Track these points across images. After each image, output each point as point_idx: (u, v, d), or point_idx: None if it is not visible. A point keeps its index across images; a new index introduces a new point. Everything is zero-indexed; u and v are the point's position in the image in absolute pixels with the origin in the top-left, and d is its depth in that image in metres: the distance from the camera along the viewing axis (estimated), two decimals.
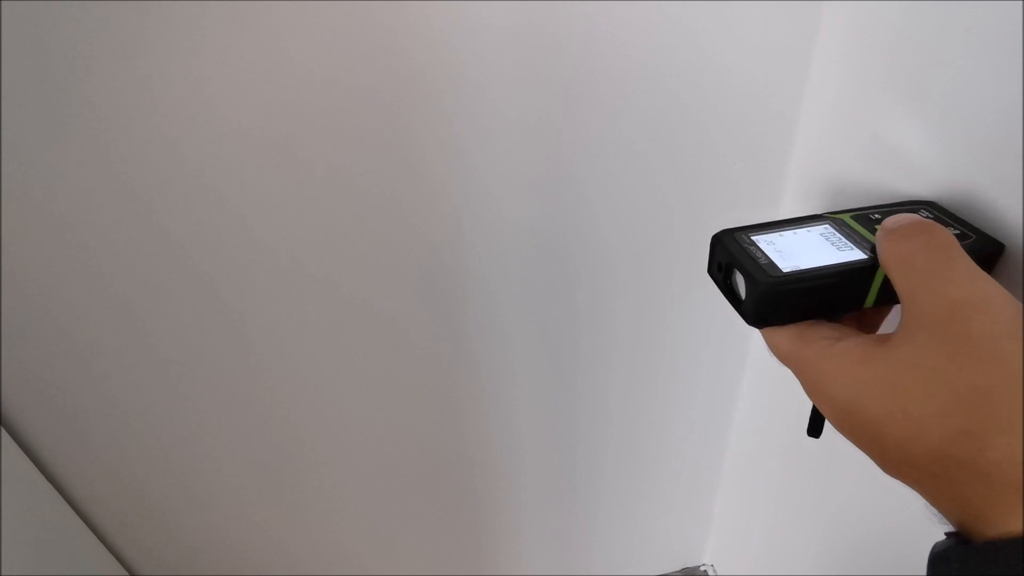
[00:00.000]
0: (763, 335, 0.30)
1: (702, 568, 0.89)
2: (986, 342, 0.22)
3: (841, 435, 0.27)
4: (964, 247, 0.25)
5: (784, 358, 0.29)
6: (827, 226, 0.32)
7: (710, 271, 0.32)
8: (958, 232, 0.30)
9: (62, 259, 0.45)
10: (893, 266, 0.26)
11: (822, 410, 0.27)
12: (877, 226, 0.30)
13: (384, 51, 0.40)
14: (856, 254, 0.29)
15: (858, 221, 0.32)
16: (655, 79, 0.43)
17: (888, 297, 0.29)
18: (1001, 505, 0.20)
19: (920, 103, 0.34)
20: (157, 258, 0.46)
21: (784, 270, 0.28)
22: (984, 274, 0.24)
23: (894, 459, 0.23)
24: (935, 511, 0.23)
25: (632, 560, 0.87)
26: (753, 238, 0.31)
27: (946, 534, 0.22)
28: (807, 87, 0.43)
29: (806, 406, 0.46)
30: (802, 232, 0.31)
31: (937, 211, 0.32)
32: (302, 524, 0.69)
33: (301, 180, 0.44)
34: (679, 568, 0.89)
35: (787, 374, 0.52)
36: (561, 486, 0.73)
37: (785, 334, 0.29)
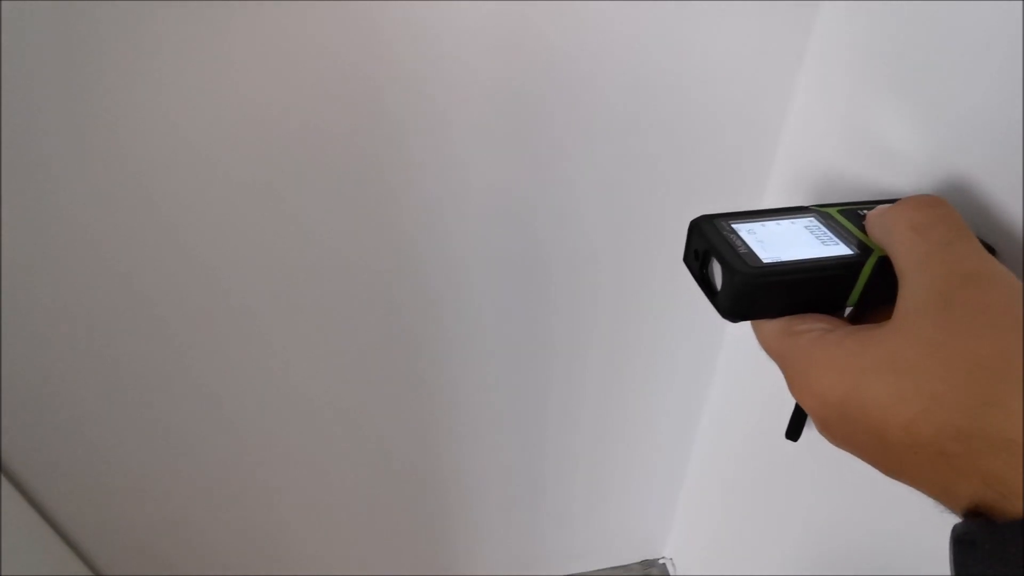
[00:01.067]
0: (752, 327, 0.29)
1: (661, 561, 0.89)
2: (1005, 311, 0.21)
3: (826, 439, 0.25)
4: None
5: (770, 351, 0.28)
6: (812, 219, 0.30)
7: (686, 259, 0.31)
8: None
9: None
10: (903, 233, 0.25)
11: (810, 408, 0.25)
12: (864, 222, 0.29)
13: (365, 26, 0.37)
14: (842, 249, 0.28)
15: (845, 216, 0.30)
16: (641, 63, 0.41)
17: (871, 299, 0.28)
18: None
19: (911, 100, 0.32)
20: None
21: (764, 261, 0.26)
22: (992, 256, 0.24)
23: (898, 447, 0.22)
24: (941, 503, 0.22)
25: (592, 552, 0.87)
26: (734, 225, 0.29)
27: (964, 516, 0.21)
28: (798, 80, 0.42)
29: (781, 405, 0.46)
30: (786, 223, 0.30)
31: None
32: (268, 520, 0.67)
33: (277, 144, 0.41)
34: (638, 560, 0.89)
35: (760, 372, 0.51)
36: (525, 476, 0.72)
37: (773, 326, 0.27)
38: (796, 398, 0.26)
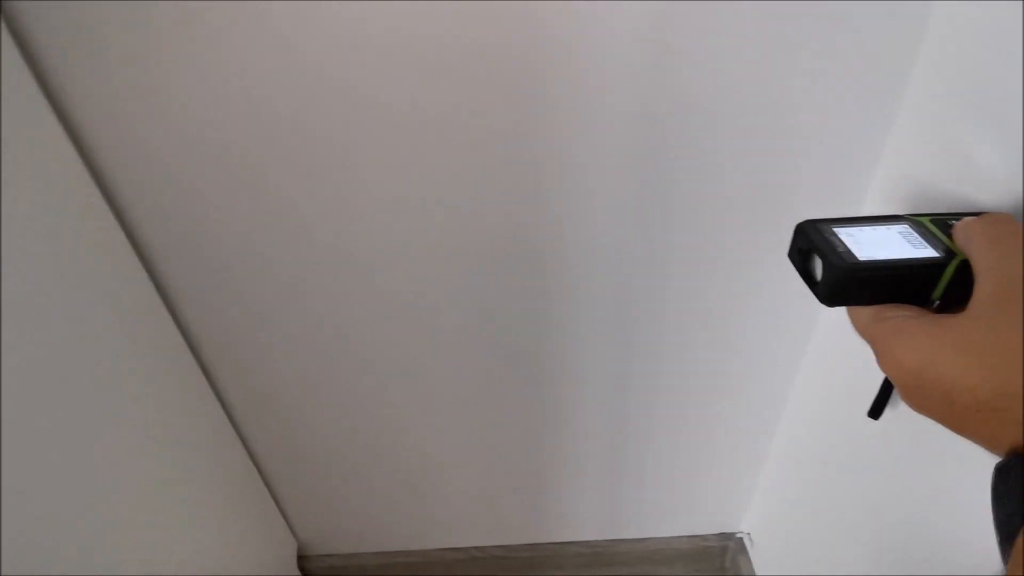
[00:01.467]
0: (848, 312, 0.36)
1: (738, 535, 0.95)
2: None
3: (906, 403, 0.32)
4: None
5: (862, 331, 0.35)
6: (906, 226, 0.36)
7: (790, 255, 0.38)
8: None
9: None
10: (980, 243, 0.31)
11: (894, 377, 0.32)
12: (953, 229, 0.35)
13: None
14: (929, 252, 0.34)
15: (936, 224, 0.36)
16: (759, 86, 0.48)
17: (953, 296, 0.34)
18: None
19: (997, 127, 0.37)
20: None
21: (860, 258, 0.33)
22: None
23: (961, 408, 0.28)
24: (991, 450, 0.28)
25: (670, 519, 0.93)
26: (835, 229, 0.36)
27: (1006, 455, 0.27)
28: (902, 102, 0.47)
29: (866, 387, 0.51)
30: (881, 229, 0.36)
31: None
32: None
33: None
34: (716, 532, 0.95)
35: (850, 355, 0.57)
36: (611, 439, 0.80)
37: (866, 311, 0.34)
38: (883, 370, 0.33)
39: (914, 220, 0.36)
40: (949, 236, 0.35)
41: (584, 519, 0.92)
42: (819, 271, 0.35)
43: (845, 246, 0.34)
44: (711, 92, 0.48)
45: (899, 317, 0.32)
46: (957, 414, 0.29)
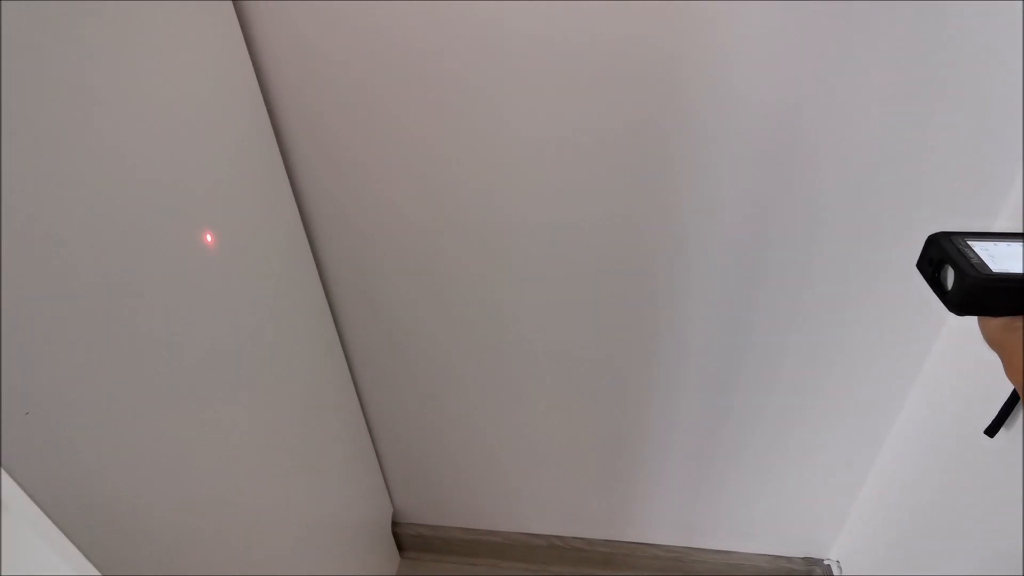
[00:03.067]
0: (979, 323, 0.37)
1: (826, 562, 0.92)
2: None
3: None
4: None
5: (991, 340, 0.36)
6: None
7: (919, 265, 0.39)
8: None
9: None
10: None
11: (1019, 385, 0.33)
12: None
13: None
14: None
15: None
16: (911, 91, 0.49)
17: None
18: None
19: None
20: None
21: (994, 270, 0.34)
22: None
23: None
24: None
25: (755, 534, 0.93)
26: (969, 242, 0.37)
27: None
28: None
29: (982, 407, 0.51)
30: (1016, 245, 0.37)
31: None
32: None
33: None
34: (802, 555, 0.93)
35: (969, 373, 0.57)
36: (711, 448, 0.81)
37: (996, 321, 0.35)
38: (1010, 378, 0.34)
39: None
40: None
41: (666, 522, 0.93)
42: (950, 281, 0.36)
43: (979, 258, 0.35)
44: (851, 99, 0.50)
45: None
46: None
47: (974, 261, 0.35)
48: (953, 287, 0.36)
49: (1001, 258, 0.35)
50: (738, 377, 0.72)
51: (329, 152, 0.60)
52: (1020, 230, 0.39)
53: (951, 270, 0.36)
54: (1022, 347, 0.32)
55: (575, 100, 0.54)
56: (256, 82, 0.55)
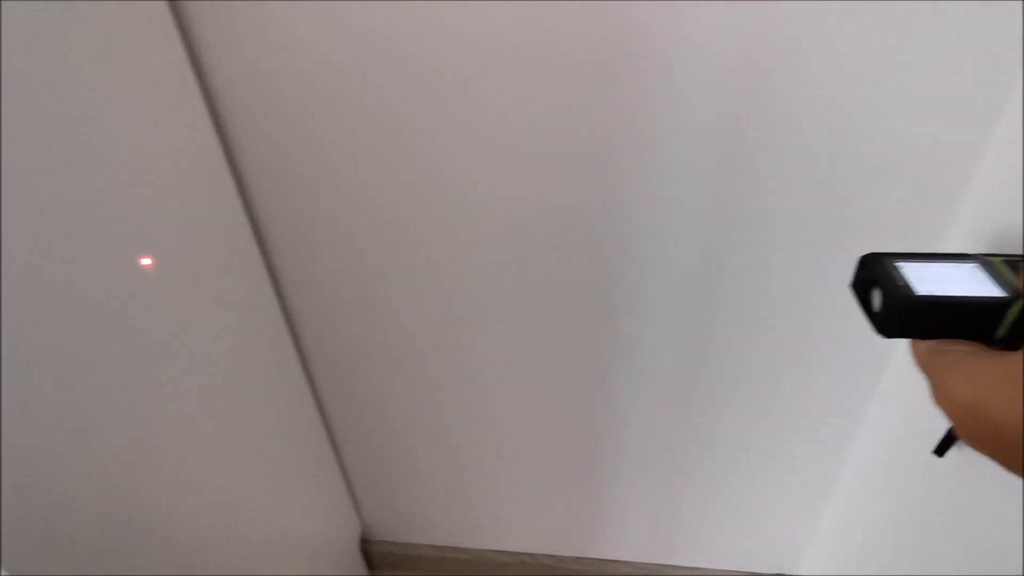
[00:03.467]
0: (910, 344, 0.37)
1: None
2: None
3: (961, 438, 0.32)
4: None
5: (920, 364, 0.35)
6: (976, 265, 0.37)
7: (853, 285, 0.39)
8: None
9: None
10: None
11: (947, 411, 0.33)
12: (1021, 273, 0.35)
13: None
14: (995, 291, 0.34)
15: (1007, 265, 0.36)
16: (843, 107, 0.49)
17: (1018, 334, 0.34)
18: None
19: None
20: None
21: (919, 292, 0.34)
22: None
23: (1012, 444, 0.28)
24: None
25: (724, 551, 0.92)
26: (898, 263, 0.37)
27: None
28: (991, 141, 0.47)
29: (936, 425, 0.50)
30: (948, 266, 0.37)
31: None
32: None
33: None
34: (773, 571, 0.93)
35: (923, 392, 0.56)
36: (672, 462, 0.80)
37: (925, 344, 0.35)
38: (937, 404, 0.33)
39: (985, 260, 0.37)
40: (1018, 277, 0.35)
41: (636, 539, 0.92)
42: (877, 302, 0.36)
43: (905, 280, 0.35)
44: (800, 111, 0.50)
45: (957, 351, 0.33)
46: (1009, 450, 0.29)
47: (900, 283, 0.35)
48: (879, 309, 0.36)
49: (929, 280, 0.35)
50: (698, 396, 0.72)
51: (282, 159, 0.60)
52: (963, 251, 0.39)
53: (878, 291, 0.36)
54: (946, 372, 0.32)
55: (531, 108, 0.54)
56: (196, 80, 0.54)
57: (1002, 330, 0.34)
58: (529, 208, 0.60)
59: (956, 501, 0.55)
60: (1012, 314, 0.34)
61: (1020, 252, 0.38)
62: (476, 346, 0.72)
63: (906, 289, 0.34)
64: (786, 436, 0.75)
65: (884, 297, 0.35)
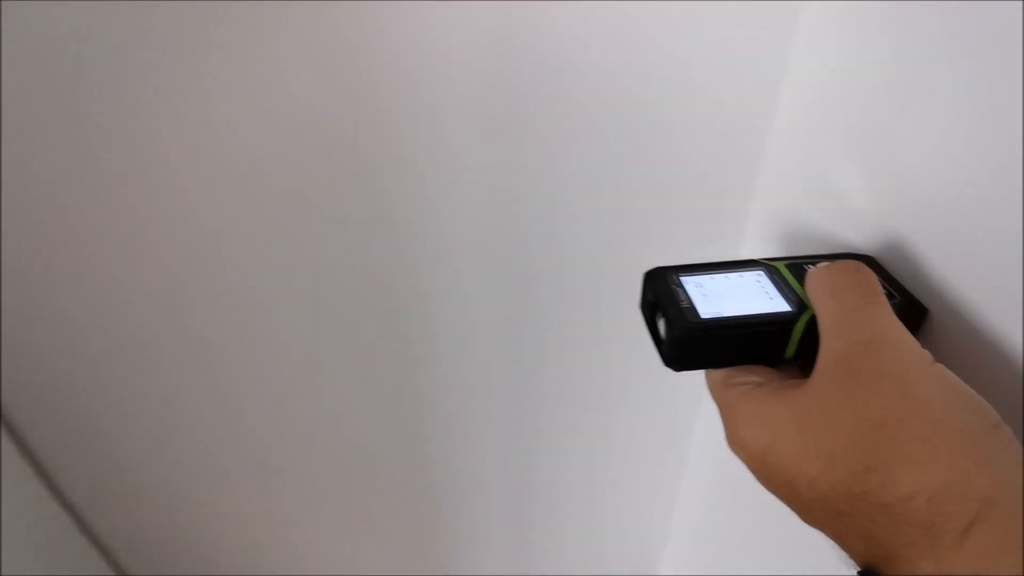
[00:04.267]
0: (704, 374, 0.31)
1: None
2: (893, 378, 0.23)
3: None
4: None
5: (714, 399, 0.30)
6: (760, 272, 0.32)
7: (641, 307, 0.33)
8: (886, 291, 0.30)
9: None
10: (821, 297, 0.27)
11: (739, 457, 0.27)
12: (806, 276, 0.31)
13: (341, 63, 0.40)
14: (781, 305, 0.30)
15: (791, 270, 0.32)
16: (618, 104, 0.44)
17: (808, 351, 0.30)
18: (908, 544, 0.20)
19: (866, 157, 0.34)
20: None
21: (703, 316, 0.29)
22: (899, 322, 0.25)
23: (806, 500, 0.24)
24: (846, 556, 0.24)
25: (585, 560, 0.89)
26: (682, 279, 0.31)
27: (860, 571, 0.23)
28: (770, 132, 0.44)
29: None
30: (734, 276, 0.32)
31: (873, 267, 0.33)
32: (275, 519, 0.71)
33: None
34: (632, 574, 0.91)
35: None
36: (517, 480, 0.74)
37: (716, 375, 0.30)
38: (729, 447, 0.28)
39: (769, 266, 0.32)
40: (804, 284, 0.31)
41: (487, 555, 0.86)
42: (663, 330, 0.30)
43: (690, 300, 0.30)
44: (568, 107, 0.44)
45: (747, 385, 0.28)
46: (803, 507, 0.25)
47: (684, 305, 0.29)
48: (664, 338, 0.30)
49: (715, 296, 0.30)
50: (534, 411, 0.66)
51: None
52: (757, 255, 0.35)
53: (662, 318, 0.30)
54: (737, 412, 0.27)
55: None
56: None
57: (791, 350, 0.30)
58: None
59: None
60: (798, 332, 0.29)
61: (807, 253, 0.35)
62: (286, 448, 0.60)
63: (691, 313, 0.29)
64: (626, 439, 0.72)
65: (667, 324, 0.29)
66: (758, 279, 0.32)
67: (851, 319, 0.25)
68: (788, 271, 0.32)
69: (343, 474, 0.68)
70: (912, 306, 0.30)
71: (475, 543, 0.82)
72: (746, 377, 0.29)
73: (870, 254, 0.34)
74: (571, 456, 0.72)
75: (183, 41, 0.38)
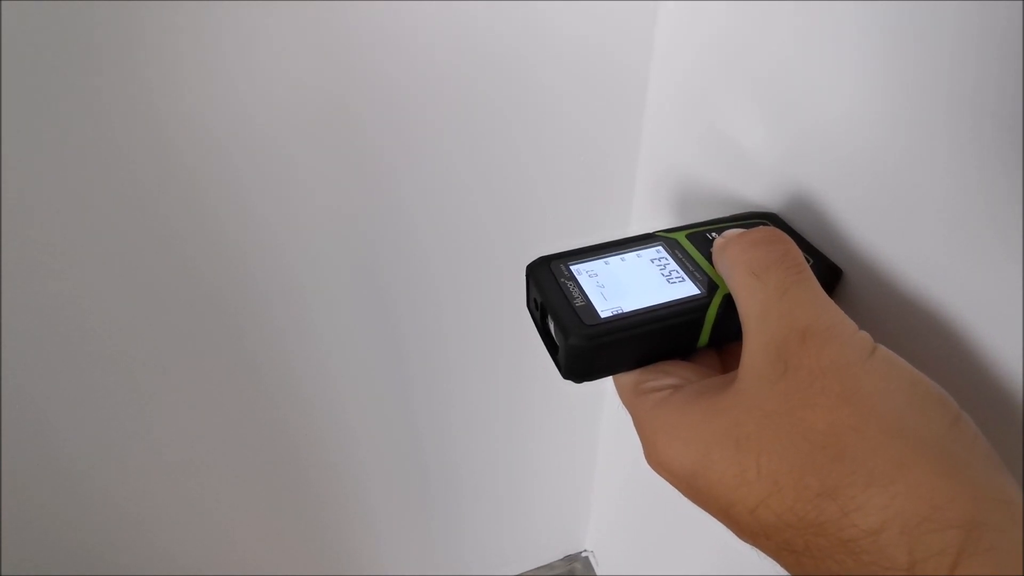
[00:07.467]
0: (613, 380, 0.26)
1: (583, 554, 0.88)
2: (838, 376, 0.18)
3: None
4: None
5: (625, 406, 0.25)
6: (659, 248, 0.27)
7: (528, 306, 0.27)
8: None
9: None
10: (738, 276, 0.22)
11: (663, 477, 0.22)
12: (712, 249, 0.26)
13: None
14: (687, 288, 0.25)
15: (693, 242, 0.27)
16: (478, 71, 0.37)
17: (722, 335, 0.25)
18: None
19: (768, 101, 0.30)
20: None
21: (602, 315, 0.23)
22: (832, 301, 0.21)
23: (748, 532, 0.19)
24: None
25: (511, 555, 0.85)
26: (573, 269, 0.25)
27: None
28: (649, 79, 0.38)
29: None
30: (631, 257, 0.26)
31: (778, 226, 0.29)
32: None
33: None
34: (561, 556, 0.88)
35: None
36: (418, 485, 0.68)
37: (625, 379, 0.24)
38: (650, 466, 0.23)
39: (668, 239, 0.27)
40: (710, 257, 0.26)
41: (415, 563, 0.79)
42: (556, 336, 0.24)
43: (585, 296, 0.24)
44: (418, 93, 0.36)
45: (661, 390, 0.23)
46: (747, 537, 0.20)
47: (578, 304, 0.24)
48: (559, 348, 0.24)
49: (613, 287, 0.25)
50: (430, 411, 0.60)
51: None
52: (655, 223, 0.30)
53: (552, 323, 0.24)
54: (655, 426, 0.22)
55: None
56: None
57: (704, 338, 0.25)
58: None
59: None
60: (711, 317, 0.24)
61: (702, 217, 0.30)
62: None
63: (587, 314, 0.23)
64: (535, 424, 0.67)
65: (560, 331, 0.23)
66: (657, 257, 0.27)
67: (780, 305, 0.20)
68: (690, 243, 0.27)
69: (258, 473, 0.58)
70: (826, 268, 0.27)
71: (401, 549, 0.76)
72: (659, 380, 0.23)
73: (773, 211, 0.30)
74: (470, 445, 0.67)
75: None
